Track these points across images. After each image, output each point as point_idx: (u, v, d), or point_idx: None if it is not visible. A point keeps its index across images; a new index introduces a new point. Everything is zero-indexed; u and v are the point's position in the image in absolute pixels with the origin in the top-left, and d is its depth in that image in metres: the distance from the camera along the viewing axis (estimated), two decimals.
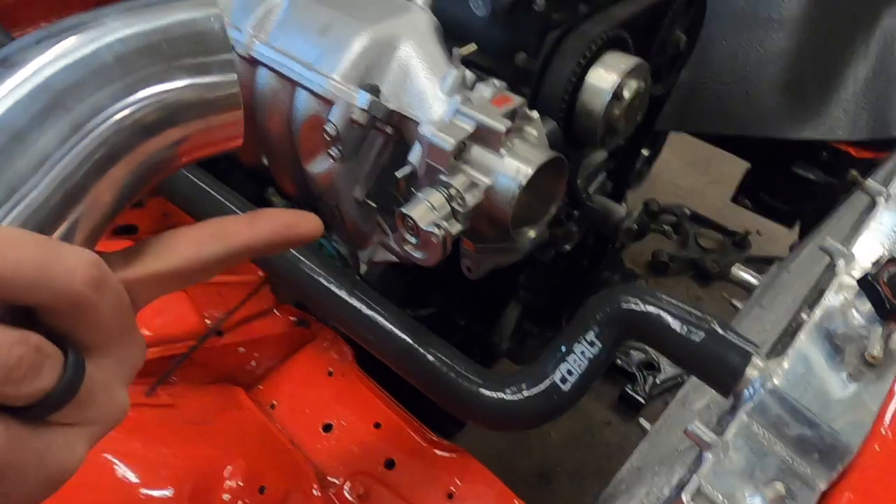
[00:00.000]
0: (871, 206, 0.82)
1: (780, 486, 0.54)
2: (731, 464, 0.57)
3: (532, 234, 0.79)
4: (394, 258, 0.91)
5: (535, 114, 0.77)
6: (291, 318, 0.94)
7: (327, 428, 0.82)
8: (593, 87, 0.80)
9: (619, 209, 1.13)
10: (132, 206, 0.91)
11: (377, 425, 0.83)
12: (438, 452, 0.80)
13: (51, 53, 0.34)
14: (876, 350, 0.61)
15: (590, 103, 0.81)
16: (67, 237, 0.33)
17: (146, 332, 0.75)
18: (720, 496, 0.54)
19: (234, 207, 0.85)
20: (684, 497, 0.54)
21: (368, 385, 0.87)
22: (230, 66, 0.38)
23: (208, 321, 0.82)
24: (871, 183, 0.84)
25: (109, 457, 0.62)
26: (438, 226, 0.67)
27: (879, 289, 0.62)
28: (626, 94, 0.80)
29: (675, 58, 1.04)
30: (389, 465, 0.79)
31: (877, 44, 1.29)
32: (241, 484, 0.66)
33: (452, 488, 0.77)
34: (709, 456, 0.57)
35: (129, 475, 0.62)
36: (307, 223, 0.43)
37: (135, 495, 0.61)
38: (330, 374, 0.89)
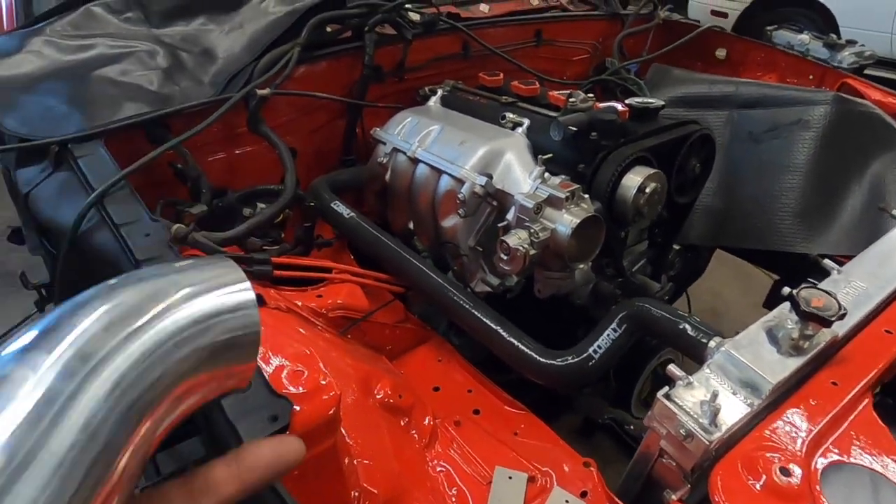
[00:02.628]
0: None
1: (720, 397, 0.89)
2: (692, 389, 0.92)
3: (582, 267, 1.22)
4: (489, 289, 1.36)
5: (586, 196, 1.24)
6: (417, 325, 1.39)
7: (436, 389, 1.23)
8: (625, 185, 1.28)
9: (654, 285, 1.53)
10: (319, 247, 1.44)
11: (469, 391, 1.23)
12: (509, 409, 1.18)
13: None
14: (795, 335, 0.97)
15: (623, 194, 1.27)
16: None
17: (339, 300, 1.23)
18: (679, 399, 0.89)
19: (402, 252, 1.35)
20: (659, 395, 0.90)
21: (466, 368, 1.28)
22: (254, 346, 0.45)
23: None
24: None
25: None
26: (522, 247, 1.13)
27: (797, 299, 0.99)
28: (647, 189, 1.27)
29: (694, 179, 1.49)
30: (476, 412, 1.17)
31: (868, 183, 1.69)
32: (389, 390, 1.07)
33: (517, 430, 1.14)
34: (679, 382, 0.93)
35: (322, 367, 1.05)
36: (290, 449, 0.45)
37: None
38: (439, 360, 1.31)
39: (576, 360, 1.11)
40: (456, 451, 1.08)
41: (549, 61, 2.15)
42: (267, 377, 0.76)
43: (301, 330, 1.06)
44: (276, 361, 0.85)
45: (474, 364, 1.31)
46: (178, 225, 1.19)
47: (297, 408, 0.75)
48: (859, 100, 1.80)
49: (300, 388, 0.79)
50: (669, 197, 1.41)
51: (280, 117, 1.66)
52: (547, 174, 1.28)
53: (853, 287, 1.21)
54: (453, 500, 1.00)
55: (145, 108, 1.35)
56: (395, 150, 1.50)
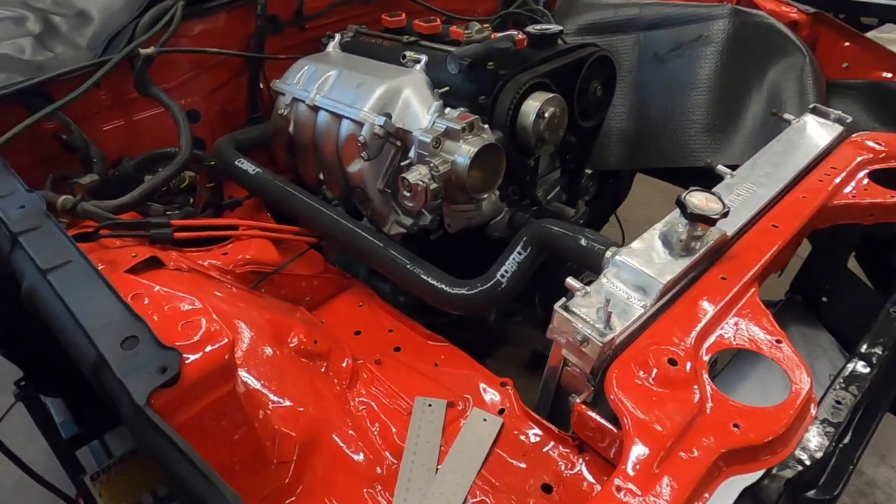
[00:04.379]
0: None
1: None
2: (589, 298, 0.95)
3: (487, 197, 1.23)
4: (404, 230, 1.36)
5: (486, 126, 1.24)
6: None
7: (357, 333, 1.24)
8: (524, 111, 1.28)
9: (569, 210, 1.57)
10: (230, 208, 1.42)
11: (390, 330, 1.24)
12: (431, 343, 1.20)
13: None
14: (684, 237, 1.01)
15: (523, 121, 1.28)
16: None
17: (247, 256, 1.21)
18: (577, 308, 0.92)
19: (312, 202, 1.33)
20: (556, 306, 0.93)
21: (388, 310, 1.29)
22: None
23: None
24: None
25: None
26: (422, 182, 1.13)
27: (684, 202, 1.02)
28: (546, 114, 1.27)
29: (598, 102, 1.51)
30: (397, 349, 1.19)
31: (766, 91, 1.75)
32: (303, 338, 1.08)
33: (437, 362, 1.16)
34: (577, 293, 0.96)
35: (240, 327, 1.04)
36: None
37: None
38: (360, 306, 1.32)
39: (485, 286, 1.13)
40: (378, 388, 1.10)
41: (455, 0, 2.11)
42: (156, 332, 0.75)
43: (204, 287, 1.05)
44: (167, 315, 0.83)
45: (409, 309, 1.32)
46: (64, 196, 1.14)
47: (190, 358, 0.74)
48: (755, 11, 1.84)
49: (193, 339, 0.79)
50: (574, 121, 1.42)
51: (175, 77, 1.58)
52: (447, 109, 1.27)
53: (745, 188, 1.27)
54: (376, 433, 1.02)
55: (17, 78, 1.26)
56: (295, 100, 1.46)
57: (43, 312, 0.84)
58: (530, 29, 1.44)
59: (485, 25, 1.45)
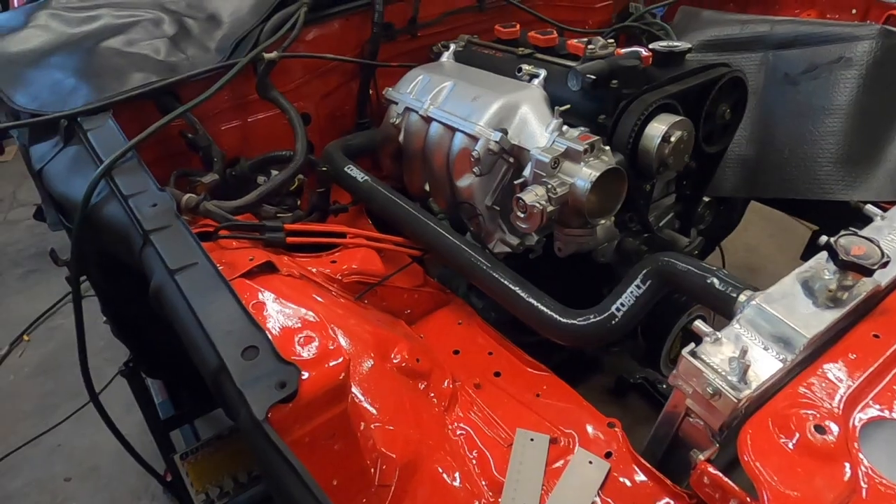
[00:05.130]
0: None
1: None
2: (720, 346, 0.87)
3: (604, 223, 1.17)
4: (509, 249, 1.32)
5: (606, 147, 1.18)
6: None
7: (456, 352, 1.21)
8: (648, 134, 1.20)
9: (683, 239, 1.47)
10: (335, 213, 1.43)
11: (490, 353, 1.20)
12: (531, 370, 1.15)
13: None
14: (833, 286, 0.91)
15: (646, 145, 1.21)
16: None
17: (353, 265, 1.21)
18: (706, 356, 0.84)
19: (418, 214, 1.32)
20: (684, 352, 0.86)
21: (487, 331, 1.25)
22: None
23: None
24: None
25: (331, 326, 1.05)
26: (539, 204, 1.09)
27: (835, 248, 0.92)
28: (672, 138, 1.19)
29: (724, 126, 1.41)
30: (497, 374, 1.15)
31: None
32: (406, 355, 1.05)
33: (539, 392, 1.11)
34: (706, 339, 0.88)
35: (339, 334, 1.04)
36: None
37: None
38: (460, 323, 1.29)
39: (598, 318, 1.07)
40: (476, 413, 1.06)
41: (569, 10, 2.04)
42: (274, 344, 0.75)
43: (315, 297, 1.05)
44: (286, 327, 0.83)
45: (499, 325, 1.28)
46: (188, 195, 1.18)
47: (306, 374, 0.73)
48: None
49: (309, 355, 0.78)
50: (697, 146, 1.33)
51: (291, 82, 1.62)
52: (565, 127, 1.22)
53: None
54: (474, 462, 0.98)
55: (153, 77, 1.33)
56: (408, 109, 1.46)
57: (168, 311, 0.86)
58: (656, 46, 1.36)
59: (609, 41, 1.39)
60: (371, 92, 1.74)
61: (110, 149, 1.10)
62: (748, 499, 0.76)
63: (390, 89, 1.56)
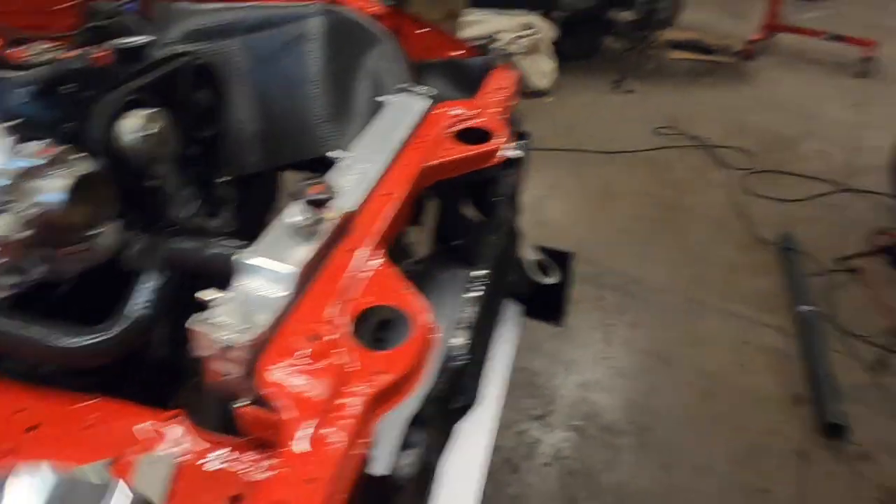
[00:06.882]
0: None
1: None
2: (224, 306, 0.96)
3: (103, 232, 1.13)
4: (14, 290, 1.16)
5: (82, 154, 1.12)
6: None
7: None
8: (120, 133, 1.20)
9: (210, 224, 1.54)
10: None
11: (20, 411, 1.06)
12: (76, 406, 1.07)
13: None
14: (305, 223, 1.08)
15: (123, 143, 1.20)
16: None
17: None
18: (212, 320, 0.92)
19: None
20: (187, 324, 0.91)
21: (10, 389, 1.09)
22: None
23: None
24: None
25: None
26: (10, 234, 0.98)
27: (297, 193, 1.09)
28: (146, 132, 1.21)
29: (208, 110, 1.50)
30: (31, 429, 1.03)
31: (370, 78, 1.97)
32: None
33: (89, 424, 1.04)
34: (210, 304, 0.95)
35: None
36: None
37: None
38: None
39: (112, 329, 1.05)
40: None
41: (22, 15, 1.82)
42: None
43: None
44: None
45: (30, 376, 1.13)
46: None
47: None
48: (342, 6, 2.03)
49: None
50: (189, 133, 1.39)
51: None
52: (32, 143, 1.11)
53: (359, 168, 1.42)
54: None
55: None
56: None
57: None
58: (115, 42, 1.34)
59: (57, 44, 1.30)
60: None
61: None
62: (273, 416, 0.89)
63: None
